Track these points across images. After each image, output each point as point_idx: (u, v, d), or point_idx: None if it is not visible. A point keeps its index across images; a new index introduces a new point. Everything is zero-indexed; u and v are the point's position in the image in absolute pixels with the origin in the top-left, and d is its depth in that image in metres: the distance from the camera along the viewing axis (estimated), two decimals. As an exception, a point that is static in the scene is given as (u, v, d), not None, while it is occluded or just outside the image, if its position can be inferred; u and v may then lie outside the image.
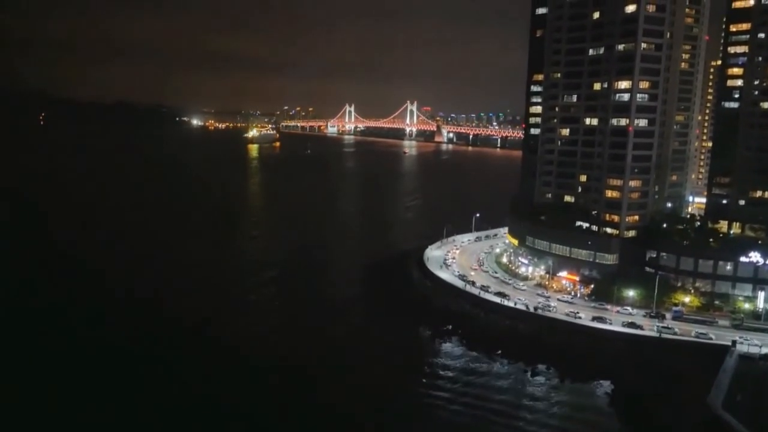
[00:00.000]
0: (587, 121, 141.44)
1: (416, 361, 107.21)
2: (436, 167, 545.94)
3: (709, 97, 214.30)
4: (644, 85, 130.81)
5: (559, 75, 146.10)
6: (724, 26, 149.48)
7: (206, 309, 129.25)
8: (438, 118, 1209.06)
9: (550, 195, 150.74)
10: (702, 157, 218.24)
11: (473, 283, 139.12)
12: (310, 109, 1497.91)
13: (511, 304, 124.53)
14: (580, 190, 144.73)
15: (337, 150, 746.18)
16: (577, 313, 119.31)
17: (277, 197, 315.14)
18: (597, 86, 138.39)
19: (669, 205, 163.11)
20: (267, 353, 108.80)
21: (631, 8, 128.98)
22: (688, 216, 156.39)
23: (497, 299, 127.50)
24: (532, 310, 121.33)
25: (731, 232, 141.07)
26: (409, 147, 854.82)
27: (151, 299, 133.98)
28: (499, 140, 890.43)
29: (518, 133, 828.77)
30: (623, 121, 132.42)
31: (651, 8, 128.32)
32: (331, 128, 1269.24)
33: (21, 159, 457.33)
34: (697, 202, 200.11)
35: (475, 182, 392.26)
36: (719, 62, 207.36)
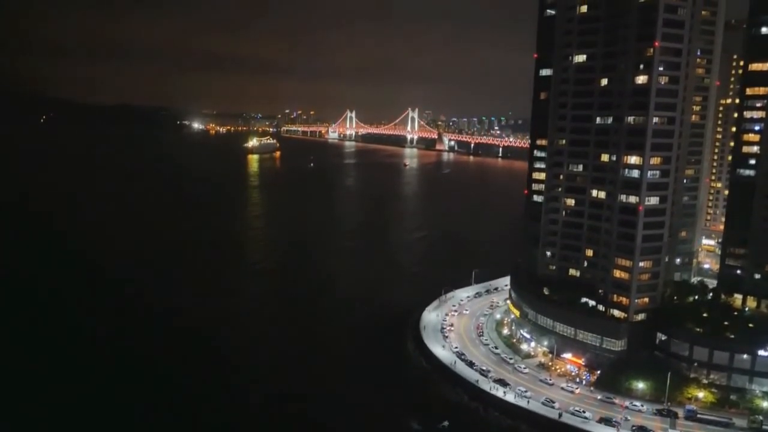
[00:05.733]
0: (594, 193, 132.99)
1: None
2: (436, 184, 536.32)
3: (718, 136, 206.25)
4: (656, 161, 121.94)
5: (564, 142, 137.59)
6: (739, 88, 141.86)
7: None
8: (439, 123, 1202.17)
9: (553, 267, 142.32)
10: (710, 197, 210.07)
11: (472, 364, 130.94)
12: (312, 112, 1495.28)
13: (517, 401, 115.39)
14: (585, 264, 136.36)
15: (339, 162, 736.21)
16: (584, 411, 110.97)
17: (276, 228, 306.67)
18: (605, 158, 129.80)
19: (678, 261, 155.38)
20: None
21: (641, 79, 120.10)
22: (699, 285, 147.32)
23: (498, 392, 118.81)
24: (533, 408, 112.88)
25: (746, 308, 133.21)
26: (410, 157, 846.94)
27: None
28: (500, 150, 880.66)
29: (520, 142, 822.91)
30: (632, 199, 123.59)
31: (664, 80, 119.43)
32: (332, 134, 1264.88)
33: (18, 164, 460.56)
34: (704, 245, 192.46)
35: (476, 204, 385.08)
36: (728, 101, 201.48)
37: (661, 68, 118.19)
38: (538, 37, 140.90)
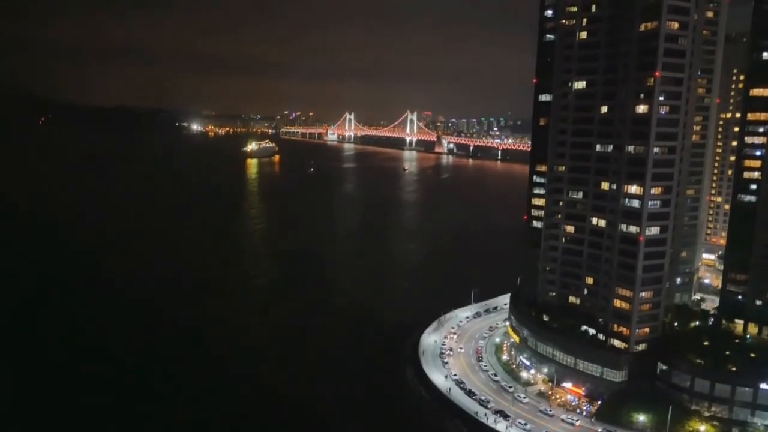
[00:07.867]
0: (594, 221, 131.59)
1: None
2: (436, 191, 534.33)
3: (718, 150, 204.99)
4: (657, 191, 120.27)
5: (563, 168, 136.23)
6: (741, 112, 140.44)
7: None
8: (438, 125, 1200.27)
9: (553, 293, 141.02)
10: (710, 212, 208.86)
11: (471, 393, 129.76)
12: (311, 113, 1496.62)
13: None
14: (586, 292, 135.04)
15: (338, 166, 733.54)
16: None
17: (274, 241, 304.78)
18: (605, 186, 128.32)
19: (678, 281, 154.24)
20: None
21: (642, 108, 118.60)
22: (700, 310, 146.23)
23: (498, 425, 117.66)
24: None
25: (748, 335, 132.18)
26: (409, 161, 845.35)
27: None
28: (499, 152, 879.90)
29: (519, 145, 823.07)
30: (633, 229, 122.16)
31: (665, 109, 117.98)
32: (332, 135, 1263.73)
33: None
34: (705, 259, 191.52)
35: (475, 215, 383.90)
36: (728, 114, 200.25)
37: (662, 98, 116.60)
38: (538, 63, 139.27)
